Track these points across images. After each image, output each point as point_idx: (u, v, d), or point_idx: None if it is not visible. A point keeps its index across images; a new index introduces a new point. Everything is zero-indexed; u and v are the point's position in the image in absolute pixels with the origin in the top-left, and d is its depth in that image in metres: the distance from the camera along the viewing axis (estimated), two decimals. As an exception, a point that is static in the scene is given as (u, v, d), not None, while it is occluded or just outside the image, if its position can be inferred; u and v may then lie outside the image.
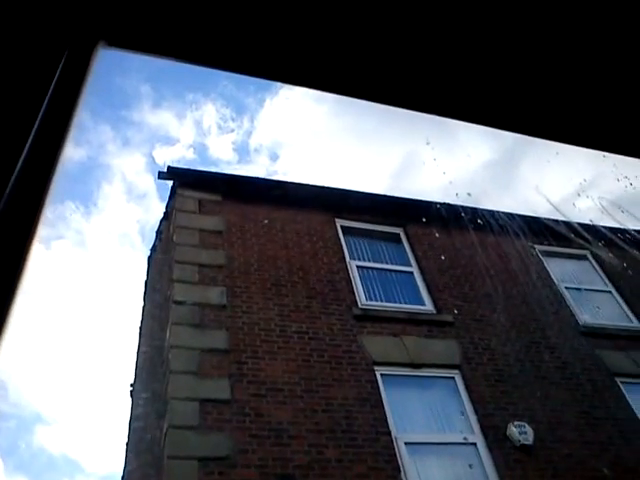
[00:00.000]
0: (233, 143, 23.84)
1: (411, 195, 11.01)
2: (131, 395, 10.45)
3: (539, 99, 1.16)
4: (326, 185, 10.48)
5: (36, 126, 0.81)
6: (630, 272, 10.77)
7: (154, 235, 10.90)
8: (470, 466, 7.41)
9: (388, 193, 10.89)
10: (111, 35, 0.93)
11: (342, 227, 10.04)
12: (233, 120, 23.04)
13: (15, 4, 0.86)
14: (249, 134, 24.04)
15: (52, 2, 0.88)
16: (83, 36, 0.90)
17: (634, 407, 8.57)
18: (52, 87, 0.84)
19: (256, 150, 24.66)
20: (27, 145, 0.79)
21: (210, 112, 21.54)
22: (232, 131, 23.29)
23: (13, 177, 0.77)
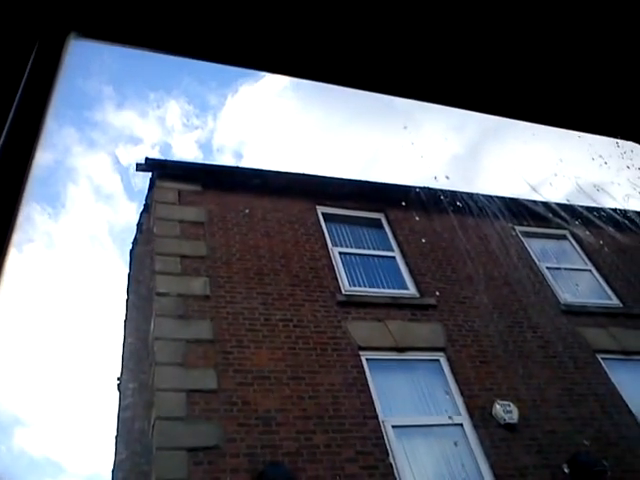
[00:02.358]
0: (197, 142, 23.71)
1: (390, 181, 11.00)
2: (118, 388, 10.42)
3: (516, 82, 1.16)
4: (306, 172, 10.48)
5: (8, 123, 0.79)
6: (607, 250, 10.92)
7: (124, 234, 10.87)
8: (455, 444, 7.51)
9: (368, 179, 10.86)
10: (82, 25, 0.91)
11: (323, 214, 10.04)
12: (197, 117, 22.92)
13: None
14: (212, 132, 23.93)
15: None
16: (54, 27, 0.87)
17: (615, 382, 8.73)
18: (24, 80, 0.82)
19: (219, 150, 24.54)
20: (1, 139, 0.77)
21: (173, 109, 21.43)
22: (196, 128, 23.16)
23: None
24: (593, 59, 1.14)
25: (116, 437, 9.86)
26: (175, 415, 6.70)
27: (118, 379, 10.53)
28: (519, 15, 1.06)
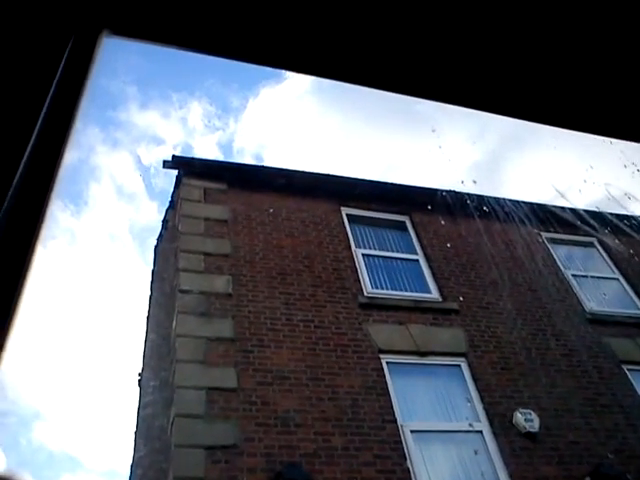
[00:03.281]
0: (218, 143, 23.85)
1: (416, 183, 10.97)
2: (139, 384, 10.52)
3: (545, 85, 1.14)
4: (331, 173, 10.47)
5: (40, 119, 0.80)
6: (637, 259, 10.73)
7: (144, 233, 10.98)
8: (475, 452, 7.44)
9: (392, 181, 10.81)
10: (115, 23, 0.92)
11: (348, 215, 10.02)
12: (219, 118, 23.05)
13: None
14: (234, 134, 24.04)
15: None
16: (88, 24, 0.89)
17: (641, 394, 8.58)
18: (58, 76, 0.83)
19: (239, 152, 24.66)
20: (32, 139, 0.78)
21: (195, 110, 21.58)
22: (217, 130, 23.28)
23: (19, 172, 0.76)
24: (623, 60, 1.12)
25: (135, 433, 9.95)
26: (194, 413, 6.73)
27: (139, 375, 10.63)
28: (545, 10, 1.04)
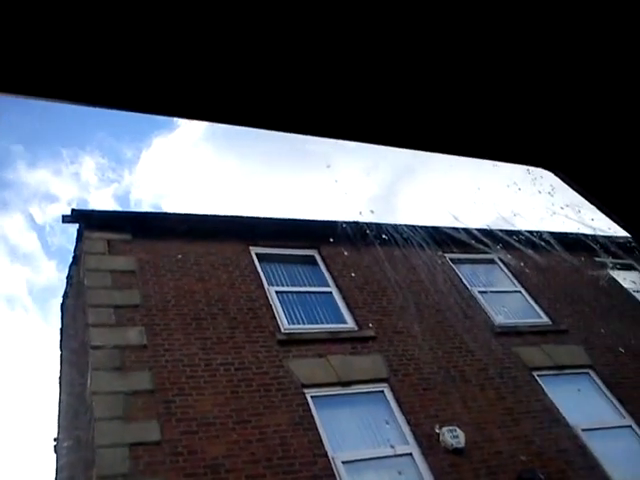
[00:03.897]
0: (114, 196, 23.37)
1: (321, 217, 11.17)
2: (55, 450, 9.87)
3: (428, 115, 1.19)
4: (236, 214, 10.46)
5: None
6: (531, 271, 11.39)
7: (44, 293, 10.51)
8: (399, 473, 7.50)
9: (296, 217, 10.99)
10: None
11: (257, 254, 10.01)
12: (113, 170, 22.61)
13: None
14: (130, 185, 23.67)
15: None
16: None
17: (551, 397, 9.01)
18: None
19: (136, 204, 24.24)
20: None
21: (88, 164, 21.10)
22: (112, 182, 22.82)
23: None
24: (501, 91, 1.18)
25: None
26: (118, 472, 6.42)
27: (55, 440, 9.98)
28: (432, 48, 1.09)
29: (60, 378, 10.40)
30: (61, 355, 10.66)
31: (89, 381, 7.35)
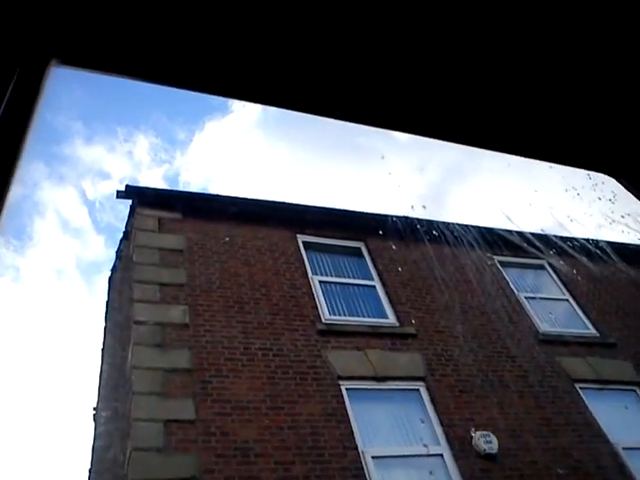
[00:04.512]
0: (164, 177, 23.71)
1: (371, 210, 11.09)
2: (94, 418, 10.20)
3: (489, 113, 1.17)
4: (286, 201, 10.51)
5: None
6: (582, 280, 11.06)
7: (91, 268, 10.80)
8: (430, 473, 7.44)
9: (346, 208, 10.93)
10: (64, 52, 0.88)
11: (304, 242, 10.05)
12: (165, 151, 22.95)
13: None
14: (180, 167, 23.99)
15: (1, 18, 0.83)
16: (35, 54, 0.84)
17: (592, 412, 8.76)
18: (3, 106, 0.79)
19: (185, 186, 24.55)
20: None
21: (142, 143, 21.45)
22: (164, 163, 23.17)
23: None
24: (567, 91, 1.15)
25: (89, 470, 9.63)
26: (152, 446, 6.57)
27: (94, 409, 10.31)
28: (490, 42, 1.07)
29: (103, 349, 10.71)
30: (105, 327, 10.96)
31: (130, 355, 7.54)
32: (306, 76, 1.05)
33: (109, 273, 11.35)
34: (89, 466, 9.69)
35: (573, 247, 10.89)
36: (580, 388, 9.09)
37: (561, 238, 11.15)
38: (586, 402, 8.90)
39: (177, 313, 8.10)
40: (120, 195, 9.59)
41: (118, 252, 10.63)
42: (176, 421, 6.83)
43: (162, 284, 8.42)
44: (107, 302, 11.17)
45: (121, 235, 10.25)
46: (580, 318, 10.65)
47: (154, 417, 6.81)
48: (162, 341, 7.66)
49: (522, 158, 1.27)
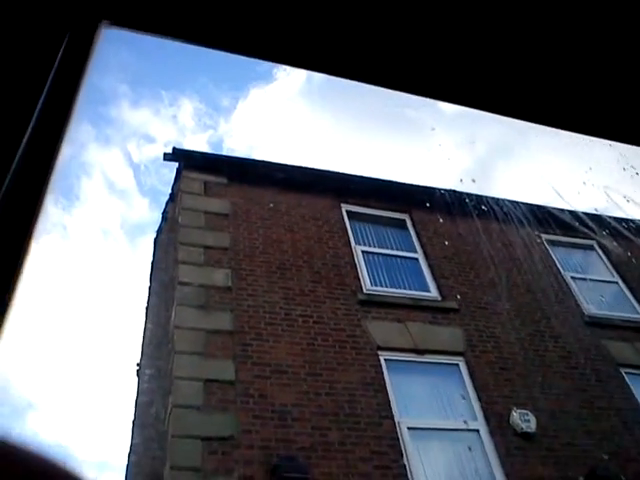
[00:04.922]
0: (208, 142, 23.77)
1: (414, 182, 10.93)
2: (137, 374, 10.48)
3: (544, 85, 1.13)
4: (331, 169, 10.44)
5: (35, 115, 0.77)
6: (635, 262, 10.73)
7: (135, 229, 10.95)
8: (469, 448, 7.42)
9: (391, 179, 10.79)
10: (114, 14, 0.89)
11: (347, 212, 10.00)
12: (210, 117, 22.99)
13: None
14: (224, 134, 24.02)
15: None
16: (86, 16, 0.86)
17: (638, 397, 8.56)
18: (54, 69, 0.80)
19: (228, 152, 24.60)
20: (27, 135, 0.76)
21: (186, 108, 21.53)
22: (208, 128, 23.23)
23: (12, 167, 0.73)
24: (622, 62, 1.10)
25: (133, 422, 9.93)
26: (192, 404, 6.71)
27: (137, 365, 10.59)
28: (546, 9, 1.03)
29: (147, 308, 10.94)
30: (150, 287, 11.17)
31: (173, 315, 7.67)
32: (354, 41, 1.04)
33: (154, 234, 11.53)
34: (132, 419, 9.99)
35: (628, 228, 10.53)
36: (625, 373, 8.88)
37: (615, 219, 10.80)
38: (631, 387, 8.70)
39: (220, 276, 8.19)
40: (167, 157, 9.66)
41: (164, 214, 10.77)
42: (216, 381, 6.95)
43: (206, 247, 8.50)
44: (152, 263, 11.37)
45: (166, 198, 10.37)
46: (630, 301, 10.36)
47: (195, 376, 6.94)
48: (205, 303, 7.77)
49: (579, 135, 1.22)
